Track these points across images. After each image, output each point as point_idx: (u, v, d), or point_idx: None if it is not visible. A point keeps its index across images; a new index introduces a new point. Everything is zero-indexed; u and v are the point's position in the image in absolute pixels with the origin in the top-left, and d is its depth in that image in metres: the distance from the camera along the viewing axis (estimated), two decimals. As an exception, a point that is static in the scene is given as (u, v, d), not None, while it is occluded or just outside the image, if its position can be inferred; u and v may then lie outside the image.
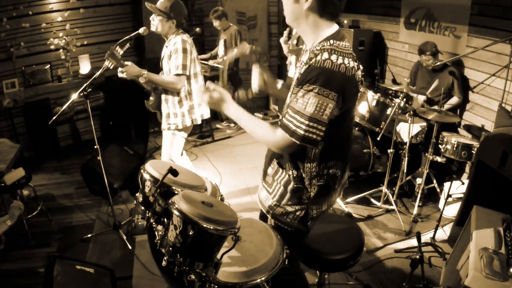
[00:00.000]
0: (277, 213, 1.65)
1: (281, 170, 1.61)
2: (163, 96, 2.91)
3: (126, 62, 2.67)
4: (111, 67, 2.63)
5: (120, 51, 2.63)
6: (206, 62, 5.06)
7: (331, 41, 1.40)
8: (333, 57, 1.34)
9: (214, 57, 5.37)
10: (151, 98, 3.03)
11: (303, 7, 1.39)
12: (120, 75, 2.71)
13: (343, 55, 1.36)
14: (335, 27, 1.46)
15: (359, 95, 1.58)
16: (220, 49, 5.22)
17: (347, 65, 1.35)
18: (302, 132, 1.37)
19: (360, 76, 1.50)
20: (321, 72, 1.33)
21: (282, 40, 4.11)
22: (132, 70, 2.68)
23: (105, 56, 2.57)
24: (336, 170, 1.58)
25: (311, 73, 1.35)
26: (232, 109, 1.57)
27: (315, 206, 1.62)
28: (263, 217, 1.80)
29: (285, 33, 4.08)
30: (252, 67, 1.80)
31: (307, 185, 1.56)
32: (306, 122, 1.36)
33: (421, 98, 3.71)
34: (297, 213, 1.61)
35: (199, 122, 2.98)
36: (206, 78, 4.72)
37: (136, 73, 2.69)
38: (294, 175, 1.56)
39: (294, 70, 4.40)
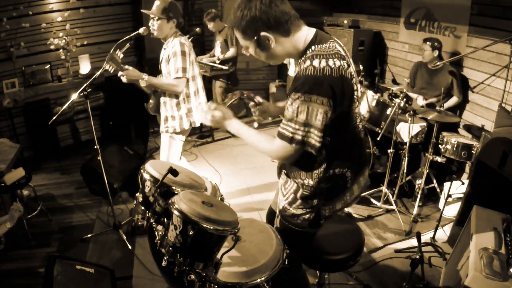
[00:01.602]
0: (287, 214, 1.66)
1: (289, 180, 1.63)
2: (161, 99, 2.91)
3: (126, 66, 2.66)
4: (111, 71, 2.63)
5: (120, 55, 2.63)
6: (205, 62, 5.06)
7: (312, 47, 1.42)
8: (315, 62, 1.35)
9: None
10: (150, 101, 3.04)
11: (277, 45, 1.43)
12: (122, 79, 2.71)
13: (326, 57, 1.36)
14: (310, 33, 1.46)
15: (358, 93, 1.53)
16: (217, 50, 5.20)
17: (332, 66, 1.35)
18: (300, 138, 1.38)
19: (353, 73, 1.45)
20: (305, 80, 1.35)
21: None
22: (133, 74, 2.67)
23: (106, 59, 2.57)
24: (344, 169, 1.56)
25: (296, 82, 1.38)
26: (234, 126, 1.59)
27: (327, 207, 1.63)
28: (270, 214, 1.80)
29: None
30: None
31: (317, 190, 1.56)
32: (302, 128, 1.37)
33: (420, 102, 3.71)
34: (307, 215, 1.62)
35: (197, 124, 2.97)
36: (206, 78, 4.75)
37: (137, 77, 2.68)
38: (301, 183, 1.57)
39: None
